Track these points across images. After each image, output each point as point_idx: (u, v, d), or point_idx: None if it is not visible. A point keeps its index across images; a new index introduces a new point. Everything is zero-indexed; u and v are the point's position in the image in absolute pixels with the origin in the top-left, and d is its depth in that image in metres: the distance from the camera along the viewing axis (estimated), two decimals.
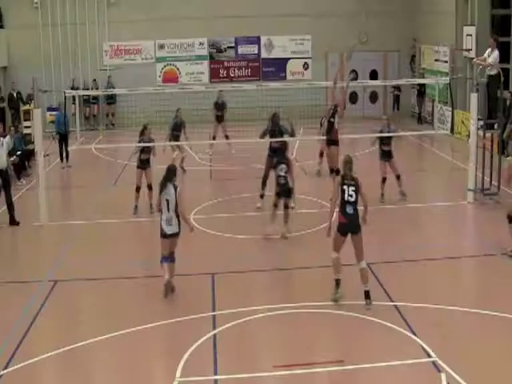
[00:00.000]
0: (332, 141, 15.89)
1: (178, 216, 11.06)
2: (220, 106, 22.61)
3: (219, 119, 22.62)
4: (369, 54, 29.17)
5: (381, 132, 16.39)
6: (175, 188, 11.09)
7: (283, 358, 9.25)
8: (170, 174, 11.23)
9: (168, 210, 11.02)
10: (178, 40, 28.82)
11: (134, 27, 28.19)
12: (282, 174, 14.09)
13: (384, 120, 16.70)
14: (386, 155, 16.27)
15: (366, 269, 10.77)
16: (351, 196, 10.61)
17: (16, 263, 13.16)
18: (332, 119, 15.75)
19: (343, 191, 10.64)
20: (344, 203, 10.65)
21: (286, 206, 14.09)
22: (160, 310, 10.81)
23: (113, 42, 28.54)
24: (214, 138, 22.48)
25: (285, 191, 14.08)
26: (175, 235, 11.14)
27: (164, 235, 11.12)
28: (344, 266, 11.41)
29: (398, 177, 16.28)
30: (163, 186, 11.13)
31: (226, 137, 22.35)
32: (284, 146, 15.40)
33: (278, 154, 15.00)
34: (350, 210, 10.64)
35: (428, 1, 28.01)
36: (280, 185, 14.10)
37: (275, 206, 14.10)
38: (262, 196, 16.01)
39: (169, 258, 11.15)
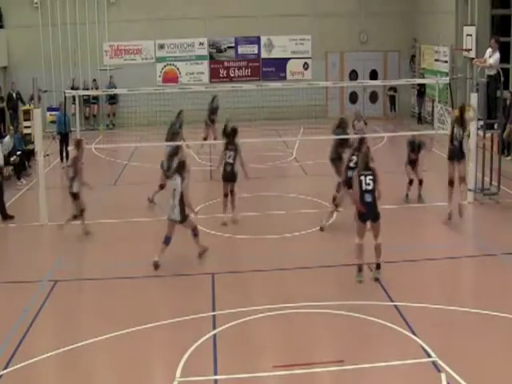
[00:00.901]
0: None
1: (181, 207, 12.25)
2: (215, 110, 22.58)
3: (214, 122, 22.55)
4: (369, 54, 29.22)
5: (411, 143, 16.50)
6: (182, 179, 12.29)
7: (283, 357, 9.24)
8: (180, 166, 12.55)
9: (173, 198, 12.28)
10: (178, 40, 28.82)
11: (134, 27, 28.19)
12: (230, 160, 14.80)
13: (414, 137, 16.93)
14: (413, 162, 16.50)
15: (380, 245, 11.42)
16: (368, 185, 11.34)
17: (16, 263, 13.15)
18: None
19: (360, 182, 11.36)
20: (362, 193, 11.33)
21: (232, 192, 14.85)
22: (160, 310, 10.83)
23: (113, 42, 28.52)
24: (205, 139, 22.39)
25: (230, 176, 14.80)
26: (178, 221, 12.42)
27: (168, 218, 12.51)
28: (344, 267, 11.43)
29: (421, 182, 16.48)
30: (172, 175, 12.59)
31: (215, 138, 22.36)
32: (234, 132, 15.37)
33: (230, 141, 15.18)
34: (368, 198, 11.34)
35: (428, 1, 27.99)
36: (226, 171, 14.84)
37: (225, 195, 14.88)
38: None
39: (192, 233, 12.70)
